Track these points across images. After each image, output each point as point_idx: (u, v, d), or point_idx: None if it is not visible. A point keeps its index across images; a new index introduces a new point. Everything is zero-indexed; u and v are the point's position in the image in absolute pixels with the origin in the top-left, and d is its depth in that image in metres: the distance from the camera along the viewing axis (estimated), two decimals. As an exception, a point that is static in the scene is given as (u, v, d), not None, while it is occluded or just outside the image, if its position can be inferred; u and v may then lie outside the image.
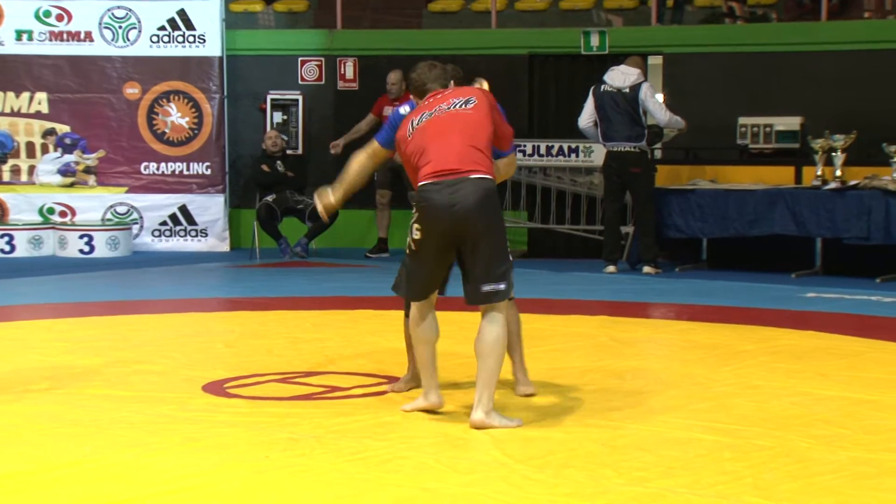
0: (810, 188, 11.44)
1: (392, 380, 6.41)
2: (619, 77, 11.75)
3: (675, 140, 12.58)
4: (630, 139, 11.64)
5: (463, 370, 6.50)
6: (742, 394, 6.20)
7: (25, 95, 13.80)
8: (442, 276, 5.70)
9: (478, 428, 5.42)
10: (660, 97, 12.38)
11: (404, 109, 5.99)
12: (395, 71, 12.96)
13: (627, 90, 11.67)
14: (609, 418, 5.64)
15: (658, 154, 12.21)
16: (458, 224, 5.48)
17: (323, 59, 14.54)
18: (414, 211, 5.60)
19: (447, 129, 5.63)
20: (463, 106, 5.65)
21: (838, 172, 11.26)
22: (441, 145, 5.59)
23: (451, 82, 5.90)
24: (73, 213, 13.87)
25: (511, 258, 5.68)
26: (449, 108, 5.66)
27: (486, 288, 5.49)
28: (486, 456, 4.99)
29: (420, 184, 5.58)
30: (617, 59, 13.39)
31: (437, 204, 5.49)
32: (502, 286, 5.51)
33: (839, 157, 11.26)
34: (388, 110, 12.44)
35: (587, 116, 11.86)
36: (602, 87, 11.77)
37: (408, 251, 5.64)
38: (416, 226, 5.55)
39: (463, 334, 6.84)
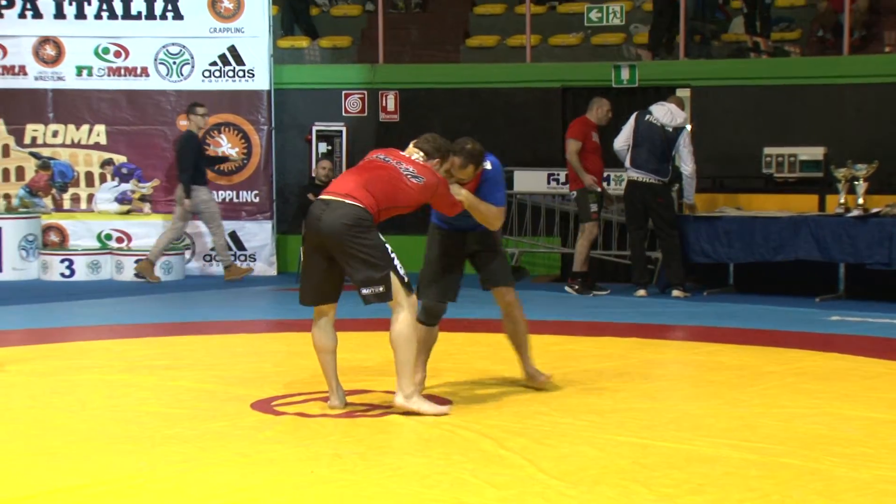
0: (833, 215, 11.55)
1: (438, 399, 6.52)
2: (667, 115, 11.86)
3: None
4: (656, 172, 11.83)
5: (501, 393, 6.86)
6: (768, 413, 6.25)
7: (85, 128, 14.13)
8: (333, 284, 6.21)
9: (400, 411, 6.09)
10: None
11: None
12: (604, 99, 12.34)
13: (671, 130, 11.81)
14: (640, 436, 5.70)
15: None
16: (323, 236, 6.08)
17: (366, 92, 14.82)
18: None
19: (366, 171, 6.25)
20: (406, 173, 6.23)
21: (860, 200, 11.41)
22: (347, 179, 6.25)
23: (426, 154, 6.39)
24: (130, 238, 14.14)
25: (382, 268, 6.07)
26: (390, 163, 6.25)
27: (365, 291, 6.07)
28: (521, 472, 5.02)
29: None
30: (646, 91, 13.66)
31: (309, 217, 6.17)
32: (380, 289, 6.04)
33: (861, 186, 11.42)
34: (595, 136, 12.11)
35: (623, 139, 11.98)
36: (647, 117, 11.89)
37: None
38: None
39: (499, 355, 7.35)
